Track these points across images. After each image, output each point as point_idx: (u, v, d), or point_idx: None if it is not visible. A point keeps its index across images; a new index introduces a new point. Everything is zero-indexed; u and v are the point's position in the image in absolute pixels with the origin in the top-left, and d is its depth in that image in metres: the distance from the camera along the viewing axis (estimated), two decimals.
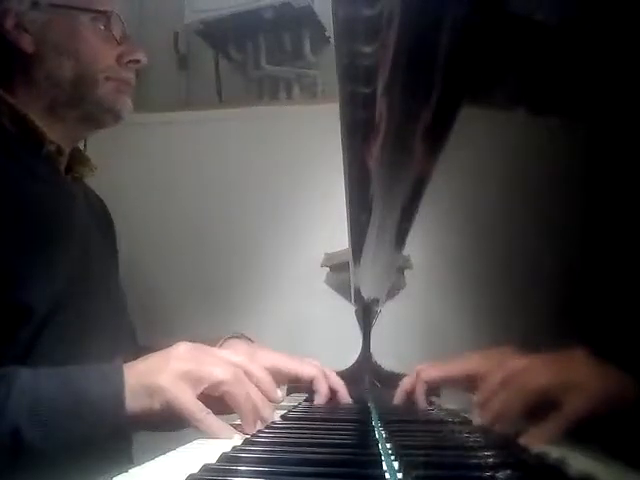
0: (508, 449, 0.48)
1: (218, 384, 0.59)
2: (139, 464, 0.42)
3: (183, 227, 1.61)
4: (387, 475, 0.38)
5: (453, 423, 0.64)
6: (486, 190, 0.56)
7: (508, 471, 0.37)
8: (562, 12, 0.33)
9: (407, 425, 0.62)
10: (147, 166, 1.61)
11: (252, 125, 1.64)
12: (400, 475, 0.38)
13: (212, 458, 0.41)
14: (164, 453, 0.46)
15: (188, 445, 0.52)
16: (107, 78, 0.89)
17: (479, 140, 0.51)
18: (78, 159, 0.94)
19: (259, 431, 0.57)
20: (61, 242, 0.82)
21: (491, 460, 0.42)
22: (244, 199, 1.60)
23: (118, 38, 0.91)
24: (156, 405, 0.57)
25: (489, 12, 0.32)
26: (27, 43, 0.85)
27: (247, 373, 0.62)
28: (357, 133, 0.46)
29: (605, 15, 0.32)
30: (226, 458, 0.41)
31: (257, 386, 0.63)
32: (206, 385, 0.59)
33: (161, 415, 0.57)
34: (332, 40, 0.38)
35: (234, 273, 1.56)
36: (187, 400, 0.57)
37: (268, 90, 1.79)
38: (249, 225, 1.58)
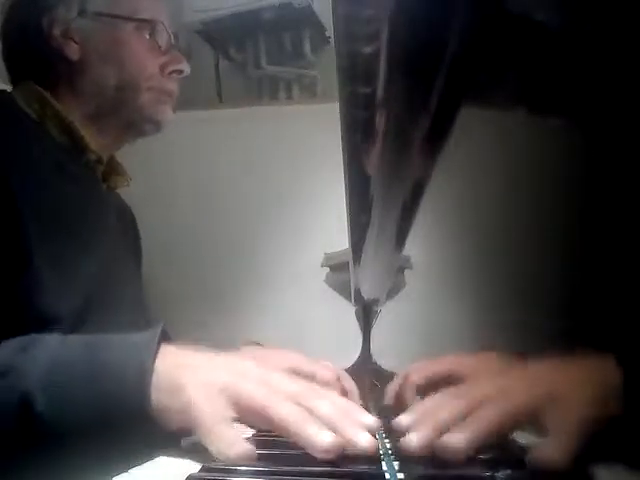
0: (508, 449, 0.48)
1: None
2: (138, 464, 0.42)
3: (182, 227, 1.61)
4: (387, 475, 0.38)
5: None
6: (486, 190, 0.56)
7: (508, 471, 0.37)
8: (562, 12, 0.33)
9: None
10: (146, 166, 1.61)
11: (252, 125, 1.64)
12: (400, 475, 0.38)
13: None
14: (164, 453, 0.46)
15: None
16: (149, 87, 0.89)
17: (479, 140, 0.51)
18: (114, 169, 0.95)
19: (259, 431, 0.55)
20: (93, 252, 0.81)
21: (491, 460, 0.42)
22: (244, 199, 1.60)
23: (163, 47, 0.91)
24: (176, 404, 0.46)
25: (489, 12, 0.32)
26: (72, 51, 0.86)
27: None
28: (357, 133, 0.46)
29: (605, 15, 0.32)
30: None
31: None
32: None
33: (177, 415, 0.46)
34: (332, 40, 0.38)
35: (233, 273, 1.56)
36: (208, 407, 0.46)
37: (268, 90, 1.79)
38: (249, 225, 1.58)
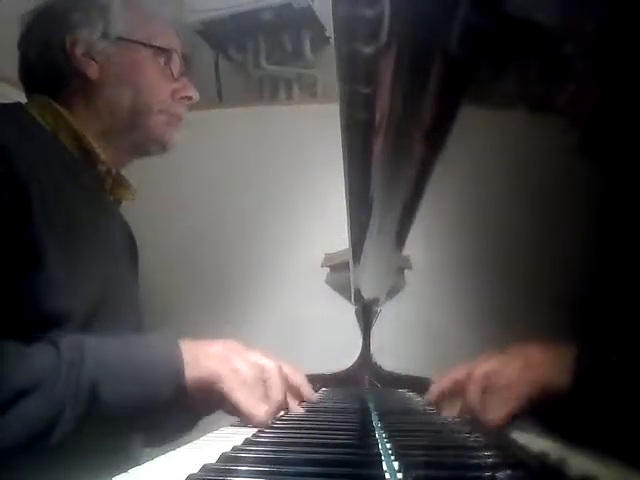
0: (508, 449, 0.48)
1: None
2: (138, 464, 0.42)
3: (183, 227, 1.61)
4: (387, 475, 0.38)
5: (453, 423, 0.64)
6: (486, 190, 0.56)
7: (508, 471, 0.37)
8: (561, 13, 0.33)
9: (407, 425, 0.62)
10: (147, 166, 1.61)
11: (252, 125, 1.64)
12: (400, 475, 0.38)
13: (212, 458, 0.41)
14: (164, 453, 0.46)
15: (188, 445, 0.52)
16: (160, 111, 0.95)
17: (479, 140, 0.51)
18: (120, 182, 0.99)
19: (259, 431, 0.57)
20: (99, 256, 0.85)
21: (491, 460, 0.42)
22: (244, 199, 1.61)
23: (175, 75, 0.97)
24: (206, 380, 0.65)
25: (488, 12, 0.32)
26: (93, 70, 0.91)
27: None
28: (357, 133, 0.46)
29: (606, 16, 0.32)
30: (226, 458, 0.41)
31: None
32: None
33: (211, 399, 0.67)
34: (332, 40, 0.38)
35: (234, 273, 1.56)
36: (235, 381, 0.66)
37: (268, 90, 1.79)
38: (249, 225, 1.58)
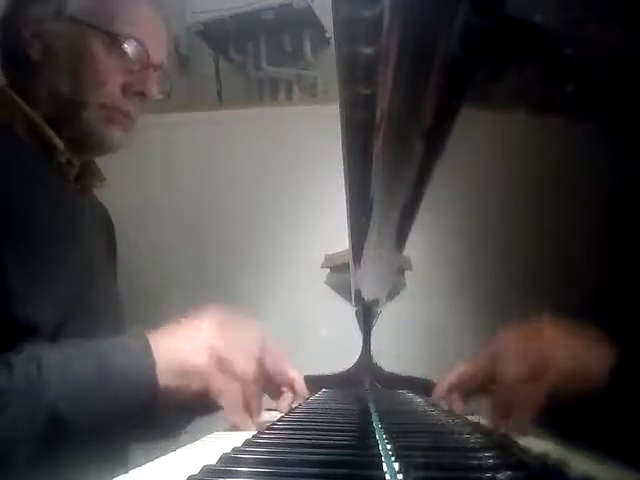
0: (508, 450, 0.48)
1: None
2: (138, 465, 0.42)
3: (183, 227, 1.61)
4: (387, 476, 0.38)
5: (453, 424, 0.64)
6: (486, 191, 0.56)
7: (508, 472, 0.37)
8: (561, 14, 0.33)
9: (407, 426, 0.62)
10: (147, 167, 1.61)
11: (252, 126, 1.64)
12: (400, 476, 0.38)
13: (212, 459, 0.41)
14: (164, 454, 0.46)
15: (188, 446, 0.52)
16: (102, 105, 0.83)
17: (479, 141, 0.51)
18: (88, 169, 0.91)
19: (259, 432, 0.57)
20: (67, 257, 0.80)
21: (491, 461, 0.42)
22: (244, 200, 1.61)
23: (132, 66, 0.85)
24: (193, 386, 0.60)
25: (488, 13, 0.32)
26: (36, 51, 0.82)
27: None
28: (357, 134, 0.46)
29: (605, 16, 0.32)
30: (226, 459, 0.41)
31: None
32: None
33: (194, 395, 0.61)
34: (332, 41, 0.38)
35: (234, 274, 1.56)
36: (223, 384, 0.61)
37: (268, 91, 1.79)
38: (249, 226, 1.58)
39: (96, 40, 0.83)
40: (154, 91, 0.88)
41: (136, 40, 0.85)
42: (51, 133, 0.82)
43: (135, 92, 0.85)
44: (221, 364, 0.62)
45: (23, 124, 0.81)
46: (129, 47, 0.84)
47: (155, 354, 0.59)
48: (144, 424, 0.64)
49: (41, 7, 0.82)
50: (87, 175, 0.91)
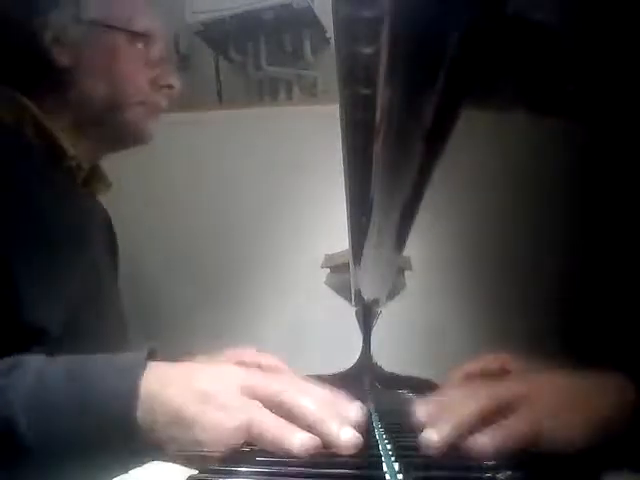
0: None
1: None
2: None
3: (183, 228, 1.61)
4: (387, 476, 0.38)
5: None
6: (486, 191, 0.56)
7: (508, 472, 0.37)
8: (561, 14, 0.33)
9: (408, 426, 0.62)
10: (147, 167, 1.61)
11: (252, 126, 1.64)
12: (400, 476, 0.38)
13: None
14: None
15: None
16: (139, 102, 0.87)
17: (479, 141, 0.51)
18: (95, 174, 0.92)
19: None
20: (74, 262, 0.79)
21: (491, 461, 0.42)
22: (244, 200, 1.61)
23: (155, 61, 0.89)
24: (164, 419, 0.45)
25: (489, 13, 0.32)
26: (63, 57, 0.83)
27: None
28: (357, 134, 0.46)
29: (605, 17, 0.32)
30: (226, 458, 0.41)
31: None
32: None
33: (166, 430, 0.46)
34: (332, 41, 0.38)
35: (234, 274, 1.56)
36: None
37: (268, 91, 1.79)
38: (249, 226, 1.58)
39: (119, 40, 0.86)
40: (177, 82, 0.92)
41: (154, 35, 0.88)
42: (61, 136, 0.83)
43: (162, 85, 0.90)
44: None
45: (32, 127, 0.82)
46: (150, 43, 0.88)
47: (145, 386, 0.47)
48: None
49: (59, 12, 0.83)
50: (94, 180, 0.92)
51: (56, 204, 0.80)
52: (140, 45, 0.88)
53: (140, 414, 0.45)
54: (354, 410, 0.47)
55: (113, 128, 0.88)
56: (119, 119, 0.87)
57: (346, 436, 0.43)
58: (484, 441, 0.40)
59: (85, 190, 0.91)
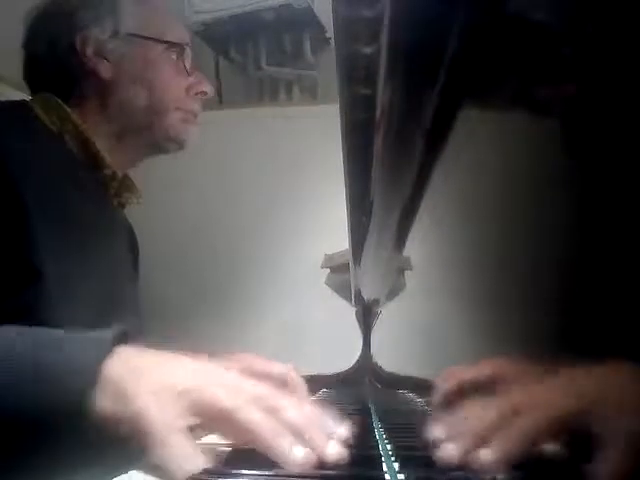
0: None
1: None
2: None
3: (183, 228, 1.61)
4: (387, 476, 0.38)
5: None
6: (486, 191, 0.56)
7: (508, 472, 0.37)
8: (561, 14, 0.33)
9: (407, 425, 0.62)
10: (146, 166, 1.61)
11: (252, 126, 1.64)
12: (400, 476, 0.38)
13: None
14: None
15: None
16: (177, 108, 0.93)
17: (479, 141, 0.51)
18: (127, 186, 0.97)
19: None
20: (102, 268, 0.83)
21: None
22: (244, 200, 1.61)
23: (188, 70, 0.96)
24: (124, 413, 0.38)
25: (488, 13, 0.32)
26: (105, 70, 0.89)
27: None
28: (357, 134, 0.46)
29: (605, 17, 0.32)
30: (226, 459, 0.41)
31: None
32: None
33: (125, 428, 0.38)
34: (332, 41, 0.38)
35: (234, 274, 1.56)
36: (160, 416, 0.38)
37: (268, 91, 1.79)
38: (249, 226, 1.58)
39: (155, 51, 0.92)
40: (211, 88, 1.00)
41: (186, 45, 0.96)
42: (100, 145, 0.89)
43: (197, 92, 0.96)
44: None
45: (72, 136, 0.87)
46: (182, 52, 0.95)
47: (111, 365, 0.40)
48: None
49: (98, 27, 0.89)
50: (125, 191, 0.97)
51: (89, 208, 0.85)
52: (174, 55, 0.94)
53: (99, 399, 0.38)
54: (338, 427, 0.42)
55: (153, 134, 0.93)
56: (159, 125, 0.92)
57: (332, 450, 0.39)
58: (490, 453, 0.39)
59: (116, 199, 0.95)
